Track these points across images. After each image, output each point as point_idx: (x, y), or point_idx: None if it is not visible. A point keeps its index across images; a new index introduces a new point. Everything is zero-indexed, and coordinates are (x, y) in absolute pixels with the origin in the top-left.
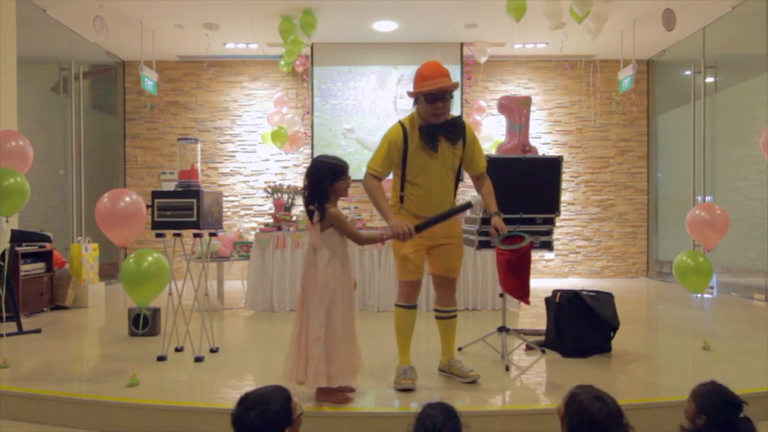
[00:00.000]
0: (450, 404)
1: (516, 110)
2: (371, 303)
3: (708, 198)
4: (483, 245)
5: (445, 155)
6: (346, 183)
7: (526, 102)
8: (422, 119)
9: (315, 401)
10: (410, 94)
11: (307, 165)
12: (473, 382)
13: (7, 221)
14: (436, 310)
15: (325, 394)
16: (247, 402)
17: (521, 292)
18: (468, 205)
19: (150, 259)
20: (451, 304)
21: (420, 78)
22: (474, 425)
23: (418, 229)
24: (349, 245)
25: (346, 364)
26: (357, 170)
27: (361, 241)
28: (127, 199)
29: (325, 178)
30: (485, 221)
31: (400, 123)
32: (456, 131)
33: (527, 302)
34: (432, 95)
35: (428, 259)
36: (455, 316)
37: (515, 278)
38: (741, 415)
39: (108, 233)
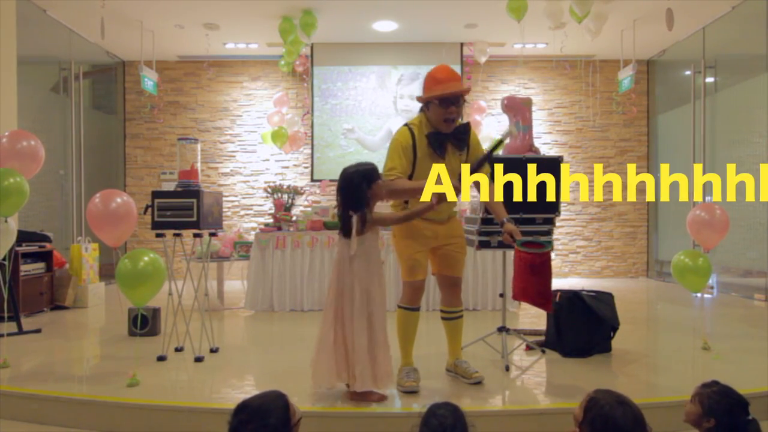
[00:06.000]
0: (456, 404)
1: (521, 111)
2: None
3: (707, 198)
4: (483, 245)
5: (451, 162)
6: (379, 185)
7: (527, 103)
8: (432, 126)
9: (352, 401)
10: (421, 99)
11: (307, 165)
12: (478, 383)
13: (6, 221)
14: (442, 311)
15: (363, 395)
16: (245, 413)
17: (544, 298)
18: (508, 134)
19: (146, 259)
20: (458, 304)
21: (433, 81)
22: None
23: (473, 170)
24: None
25: (387, 366)
26: None
27: (409, 217)
28: (119, 200)
29: (362, 184)
30: (485, 221)
31: (408, 127)
32: (463, 139)
33: (550, 309)
34: (446, 99)
35: (432, 259)
36: (461, 317)
37: (538, 284)
38: (749, 417)
39: (99, 234)
